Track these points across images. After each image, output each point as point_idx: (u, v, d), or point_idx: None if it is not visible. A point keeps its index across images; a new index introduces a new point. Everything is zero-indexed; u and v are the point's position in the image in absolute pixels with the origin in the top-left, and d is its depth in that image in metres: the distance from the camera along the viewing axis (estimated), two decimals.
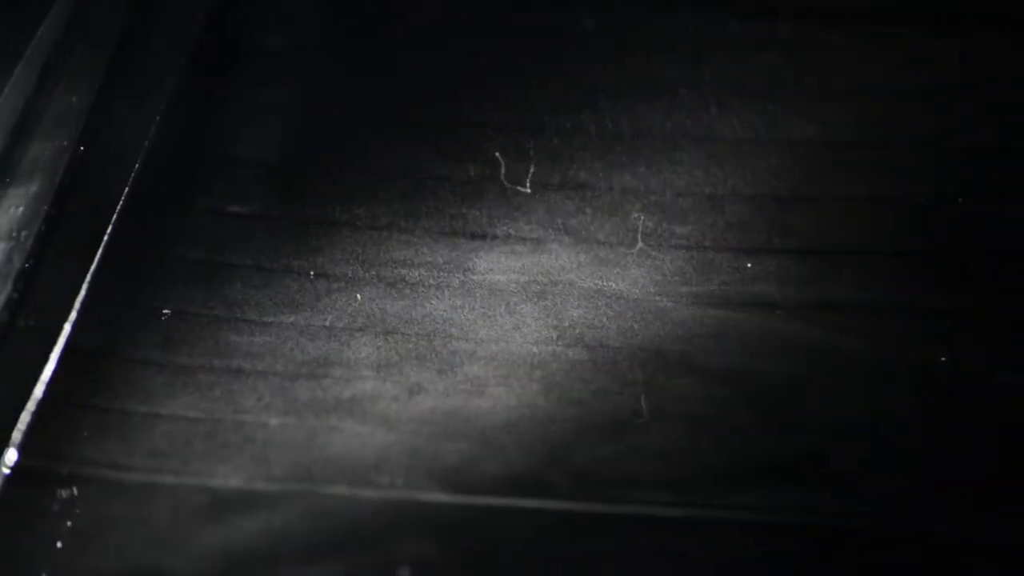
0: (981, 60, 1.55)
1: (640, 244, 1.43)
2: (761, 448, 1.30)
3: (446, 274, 1.42)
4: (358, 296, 1.40)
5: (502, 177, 1.48)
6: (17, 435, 1.30)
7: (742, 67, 1.56)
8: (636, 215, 1.45)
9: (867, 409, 1.33)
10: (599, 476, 1.28)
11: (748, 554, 1.25)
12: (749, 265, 1.41)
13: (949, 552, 1.25)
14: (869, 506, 1.27)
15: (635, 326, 1.37)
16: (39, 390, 1.32)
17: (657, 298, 1.39)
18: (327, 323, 1.38)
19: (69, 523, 1.26)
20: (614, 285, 1.40)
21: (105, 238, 1.42)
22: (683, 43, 1.58)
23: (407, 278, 1.41)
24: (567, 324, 1.38)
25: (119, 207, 1.44)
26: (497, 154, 1.50)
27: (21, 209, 1.41)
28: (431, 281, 1.41)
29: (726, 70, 1.56)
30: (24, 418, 1.30)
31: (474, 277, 1.41)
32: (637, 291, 1.40)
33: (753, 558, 1.25)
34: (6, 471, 1.28)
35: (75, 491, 1.27)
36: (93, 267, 1.40)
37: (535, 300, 1.40)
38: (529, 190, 1.47)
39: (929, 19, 1.58)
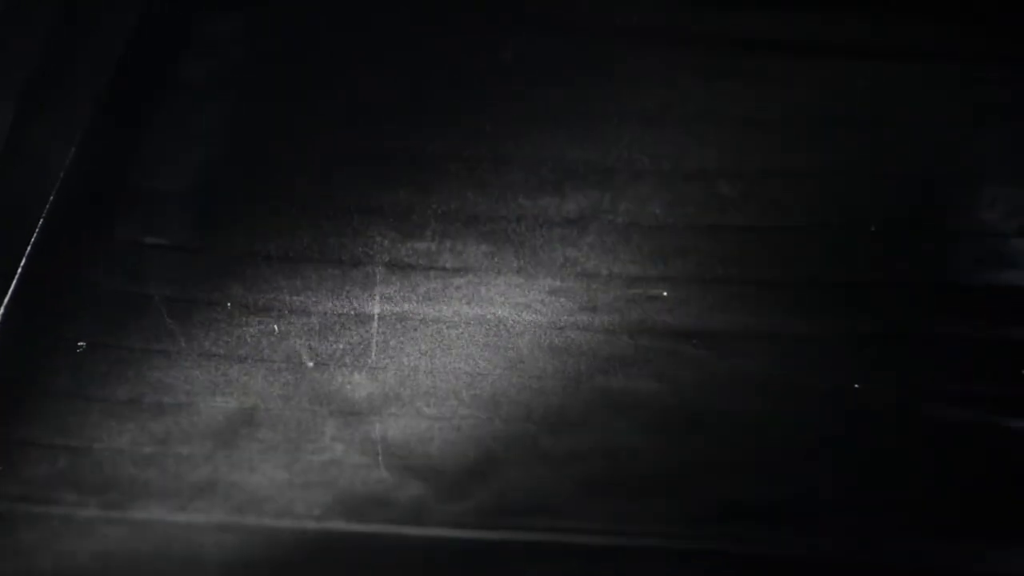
0: (893, 90, 1.57)
1: (569, 277, 1.43)
2: (686, 478, 1.31)
3: (362, 304, 1.41)
4: (275, 328, 1.39)
5: (428, 208, 1.48)
6: None
7: (650, 96, 1.56)
8: (568, 247, 1.45)
9: (781, 438, 1.33)
10: (526, 504, 1.29)
11: None
12: (667, 294, 1.42)
13: None
14: (789, 536, 1.28)
15: (562, 356, 1.38)
16: None
17: (578, 329, 1.39)
18: (244, 354, 1.37)
19: None
20: (540, 316, 1.40)
21: (19, 269, 1.41)
22: (599, 72, 1.58)
23: (326, 310, 1.41)
24: (497, 353, 1.38)
25: (34, 237, 1.42)
26: (425, 185, 1.50)
27: None
28: (350, 312, 1.41)
29: (639, 99, 1.56)
30: None
31: (395, 308, 1.41)
32: (565, 321, 1.40)
33: None
34: None
35: None
36: (7, 298, 1.39)
37: (467, 330, 1.40)
38: (458, 221, 1.47)
39: (841, 49, 1.59)
